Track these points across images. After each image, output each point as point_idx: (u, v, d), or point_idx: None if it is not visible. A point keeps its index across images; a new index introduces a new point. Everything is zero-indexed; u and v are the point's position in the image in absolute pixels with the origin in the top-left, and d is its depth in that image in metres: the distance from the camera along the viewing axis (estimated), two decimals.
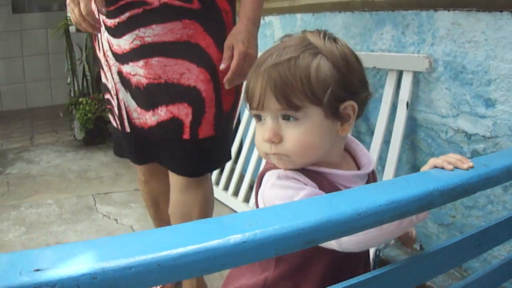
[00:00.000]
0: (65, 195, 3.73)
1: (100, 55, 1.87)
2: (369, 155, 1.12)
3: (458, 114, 1.98)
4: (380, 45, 2.29)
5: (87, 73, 4.80)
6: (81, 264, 0.56)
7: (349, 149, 1.12)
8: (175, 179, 1.89)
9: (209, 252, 0.60)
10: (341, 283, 0.89)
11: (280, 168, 1.02)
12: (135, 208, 3.45)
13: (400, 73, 2.17)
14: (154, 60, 1.69)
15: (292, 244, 0.63)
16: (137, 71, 1.73)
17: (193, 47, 1.69)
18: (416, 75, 2.12)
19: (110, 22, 1.72)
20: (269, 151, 1.00)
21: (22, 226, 3.19)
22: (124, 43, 1.70)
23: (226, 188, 3.30)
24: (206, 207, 1.92)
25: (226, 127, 1.85)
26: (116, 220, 3.26)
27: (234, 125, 2.00)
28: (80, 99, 4.70)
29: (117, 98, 1.85)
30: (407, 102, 2.11)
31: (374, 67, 2.27)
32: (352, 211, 0.67)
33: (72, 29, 4.83)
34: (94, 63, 4.79)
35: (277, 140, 0.98)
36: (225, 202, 3.23)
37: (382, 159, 2.26)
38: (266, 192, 1.00)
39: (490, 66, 1.84)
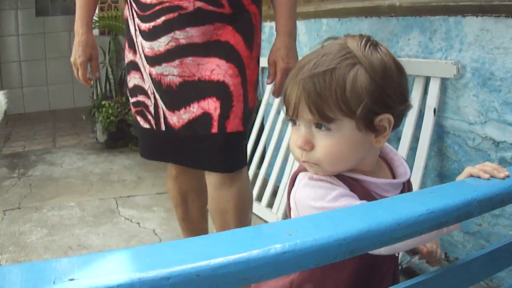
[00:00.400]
0: (87, 198, 3.75)
1: (136, 57, 1.94)
2: (406, 166, 1.10)
3: (486, 121, 1.95)
4: (407, 51, 2.27)
5: (110, 76, 4.83)
6: (117, 274, 0.55)
7: (386, 158, 1.11)
8: (209, 177, 1.93)
9: (249, 262, 0.59)
10: None
11: None
12: (158, 212, 3.46)
13: (427, 79, 2.15)
14: (189, 59, 1.77)
15: (332, 255, 0.62)
16: (170, 70, 1.80)
17: (223, 44, 1.77)
18: (443, 82, 2.09)
19: (145, 26, 1.80)
20: (300, 157, 1.01)
21: (44, 228, 3.21)
22: (159, 45, 1.78)
23: None
24: (241, 203, 1.93)
25: (249, 125, 1.90)
26: (138, 223, 3.27)
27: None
28: (103, 102, 4.73)
29: (155, 97, 1.91)
30: (435, 109, 2.08)
31: None
32: (392, 221, 0.66)
33: (95, 32, 4.87)
34: (117, 66, 4.83)
35: (308, 148, 0.98)
36: None
37: (408, 166, 2.23)
38: (298, 191, 1.01)
39: None
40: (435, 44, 2.12)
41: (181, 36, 1.75)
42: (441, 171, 2.19)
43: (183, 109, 1.82)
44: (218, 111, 1.77)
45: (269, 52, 1.88)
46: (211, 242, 0.63)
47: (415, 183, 2.10)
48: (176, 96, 1.83)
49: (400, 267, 1.15)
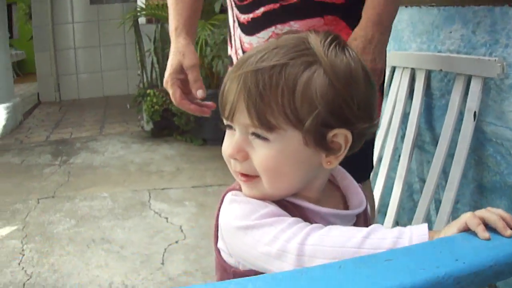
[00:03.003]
0: (122, 189, 3.68)
1: (232, 52, 1.73)
2: (363, 196, 0.91)
3: None
4: (449, 45, 2.01)
5: (156, 65, 4.76)
6: None
7: (339, 185, 0.92)
8: None
9: None
10: None
11: None
12: (189, 206, 3.34)
13: (469, 78, 1.88)
14: None
15: None
16: None
17: None
18: (486, 82, 1.83)
19: (243, 17, 1.58)
20: (234, 168, 0.84)
21: (72, 219, 3.17)
22: (257, 41, 1.55)
23: None
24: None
25: (373, 136, 1.67)
26: (166, 218, 3.16)
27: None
28: (148, 91, 4.66)
29: None
30: (475, 112, 1.82)
31: (441, 70, 2.00)
32: None
33: (141, 20, 4.82)
34: (162, 55, 4.75)
35: (241, 159, 0.81)
36: None
37: (446, 173, 1.98)
38: (222, 211, 0.85)
39: None
40: (478, 38, 1.86)
41: (283, 31, 1.51)
42: (482, 182, 1.93)
43: None
44: None
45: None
46: None
47: (450, 194, 1.86)
48: None
49: None
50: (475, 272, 0.56)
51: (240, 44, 1.62)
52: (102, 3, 7.11)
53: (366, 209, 0.90)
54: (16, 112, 5.94)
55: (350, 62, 0.79)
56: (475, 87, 1.83)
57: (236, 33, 1.64)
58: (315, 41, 0.79)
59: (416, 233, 0.69)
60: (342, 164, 0.87)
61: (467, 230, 0.68)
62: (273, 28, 1.51)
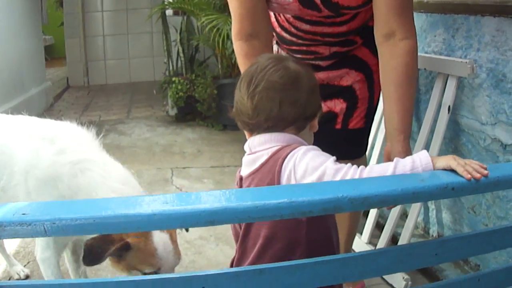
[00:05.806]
0: (147, 167, 4.02)
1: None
2: None
3: (495, 123, 1.98)
4: (433, 47, 2.31)
5: (181, 55, 5.08)
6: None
7: None
8: None
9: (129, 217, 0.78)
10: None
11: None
12: (207, 183, 3.67)
13: (447, 77, 2.19)
14: (320, 74, 1.93)
15: (194, 221, 0.78)
16: None
17: (352, 57, 1.93)
18: (461, 80, 2.13)
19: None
20: None
21: None
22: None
23: None
24: None
25: (371, 120, 2.05)
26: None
27: None
28: (173, 78, 4.99)
29: None
30: (449, 106, 2.13)
31: (425, 69, 2.30)
32: (251, 204, 0.80)
33: (168, 12, 5.13)
34: (188, 45, 5.08)
35: None
36: None
37: None
38: (298, 161, 1.19)
39: None
40: (456, 42, 2.16)
41: (317, 62, 1.92)
42: None
43: None
44: (343, 111, 1.94)
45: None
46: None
47: None
48: None
49: None
50: (364, 197, 0.93)
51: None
52: None
53: None
54: (48, 95, 6.31)
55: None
56: (451, 84, 2.14)
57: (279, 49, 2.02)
58: None
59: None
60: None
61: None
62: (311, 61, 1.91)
